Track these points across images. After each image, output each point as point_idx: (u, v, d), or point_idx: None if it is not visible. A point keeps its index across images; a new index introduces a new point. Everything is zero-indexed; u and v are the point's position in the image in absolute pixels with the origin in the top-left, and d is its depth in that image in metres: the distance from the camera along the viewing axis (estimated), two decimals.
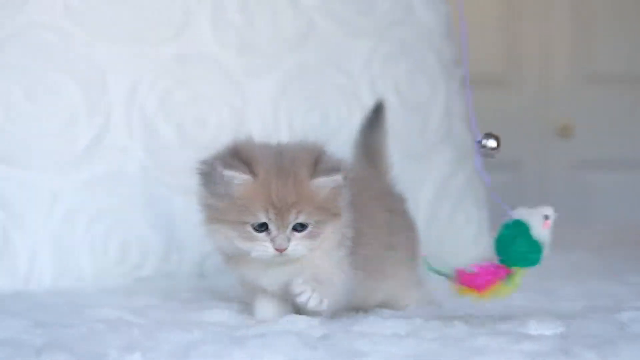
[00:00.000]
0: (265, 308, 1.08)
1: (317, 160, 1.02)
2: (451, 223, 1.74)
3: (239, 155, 1.02)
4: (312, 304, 1.00)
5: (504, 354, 0.82)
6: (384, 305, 1.16)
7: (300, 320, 1.00)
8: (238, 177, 1.00)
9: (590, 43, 3.42)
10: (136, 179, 1.48)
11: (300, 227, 1.01)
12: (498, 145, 0.99)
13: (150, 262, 1.47)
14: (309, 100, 1.64)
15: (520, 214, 0.96)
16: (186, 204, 1.50)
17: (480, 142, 0.99)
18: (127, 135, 1.49)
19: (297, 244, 1.01)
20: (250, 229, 1.01)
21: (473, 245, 1.76)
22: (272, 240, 1.00)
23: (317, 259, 1.03)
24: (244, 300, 1.13)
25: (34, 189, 1.41)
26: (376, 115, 1.36)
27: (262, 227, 1.01)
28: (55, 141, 1.44)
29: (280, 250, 1.00)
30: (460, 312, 1.08)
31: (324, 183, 1.02)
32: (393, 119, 1.71)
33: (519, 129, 3.45)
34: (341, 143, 1.64)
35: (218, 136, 1.55)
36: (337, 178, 1.02)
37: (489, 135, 1.00)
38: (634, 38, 3.42)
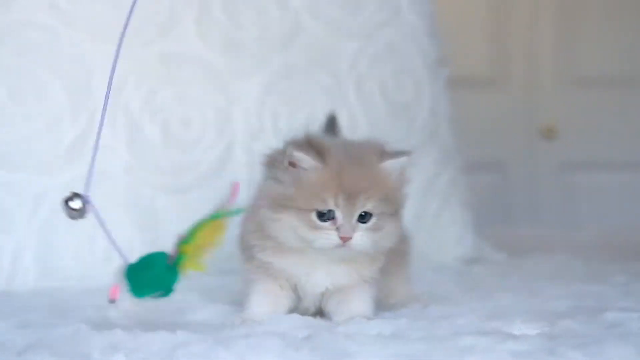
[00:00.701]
0: (260, 304, 1.06)
1: (383, 147, 1.02)
2: (436, 223, 1.74)
3: (310, 143, 1.00)
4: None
5: (490, 353, 0.82)
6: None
7: (285, 321, 1.00)
8: (309, 162, 0.99)
9: (575, 46, 3.44)
10: (121, 178, 1.47)
11: (365, 219, 0.99)
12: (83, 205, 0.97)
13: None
14: (295, 100, 1.64)
15: None
16: (171, 204, 1.50)
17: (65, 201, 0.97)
18: (112, 135, 1.48)
19: (362, 235, 0.99)
20: (315, 217, 0.98)
21: (457, 244, 1.76)
22: (338, 229, 0.98)
23: (348, 275, 1.04)
24: (241, 296, 1.11)
25: (18, 189, 1.40)
26: (330, 127, 1.36)
27: (327, 217, 0.98)
28: (39, 141, 1.43)
29: (345, 239, 0.98)
30: (446, 312, 1.07)
31: (392, 165, 1.01)
32: (379, 120, 1.72)
33: (505, 130, 3.46)
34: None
35: (203, 136, 1.55)
36: (405, 159, 1.01)
37: (75, 196, 0.97)
38: (618, 41, 3.43)
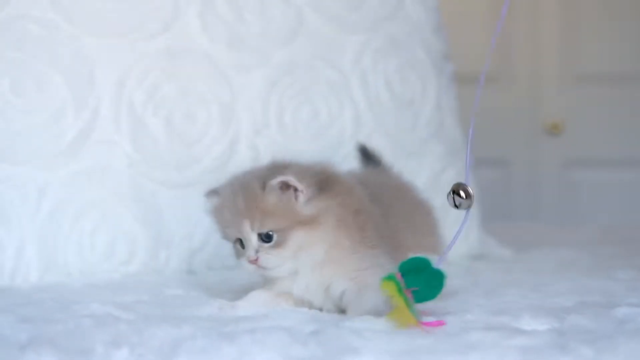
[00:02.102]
0: (255, 298, 1.09)
1: (269, 170, 1.07)
2: (442, 218, 1.73)
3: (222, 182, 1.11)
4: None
5: (498, 349, 0.81)
6: None
7: (291, 316, 0.99)
8: (210, 201, 1.11)
9: (579, 42, 3.43)
10: (124, 173, 1.46)
11: (267, 239, 1.05)
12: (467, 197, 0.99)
13: (138, 257, 1.46)
14: (299, 95, 1.63)
15: None
16: (174, 199, 1.49)
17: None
18: (115, 129, 1.47)
19: (267, 253, 1.05)
20: (239, 246, 1.08)
21: (462, 240, 1.75)
22: (244, 254, 1.06)
23: (336, 265, 1.06)
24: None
25: (20, 184, 1.39)
26: (366, 158, 1.40)
27: (242, 244, 1.07)
28: (41, 135, 1.41)
29: (253, 262, 1.05)
30: (453, 307, 1.06)
31: (269, 190, 1.05)
32: (384, 115, 1.71)
33: (509, 127, 3.46)
34: (331, 138, 1.64)
35: (206, 131, 1.54)
36: (275, 183, 1.04)
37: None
38: (623, 37, 3.42)
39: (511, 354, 0.80)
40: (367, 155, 1.41)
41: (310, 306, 1.09)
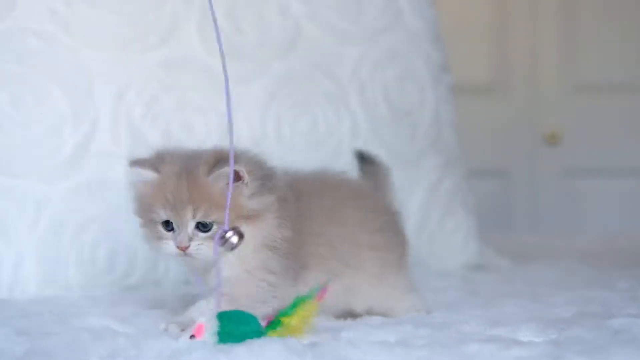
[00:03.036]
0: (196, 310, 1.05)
1: (217, 158, 1.01)
2: (440, 229, 1.74)
3: (152, 155, 1.04)
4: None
5: None
6: (374, 312, 1.14)
7: None
8: (142, 174, 1.04)
9: (577, 52, 3.43)
10: (123, 186, 1.46)
11: (203, 228, 1.01)
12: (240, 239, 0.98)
13: (137, 270, 1.46)
14: (297, 106, 1.63)
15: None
16: None
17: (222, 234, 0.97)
18: (114, 141, 1.47)
19: (201, 244, 1.00)
20: (160, 227, 1.02)
21: (461, 250, 1.75)
22: (174, 238, 1.01)
23: (230, 267, 1.02)
24: None
25: (19, 197, 1.40)
26: (363, 164, 1.35)
27: (169, 227, 1.02)
28: (40, 148, 1.42)
29: (182, 249, 1.01)
30: (451, 318, 1.06)
31: (216, 178, 1.00)
32: (382, 126, 1.71)
33: (508, 137, 3.46)
34: (330, 149, 1.64)
35: (205, 142, 1.53)
36: (226, 170, 0.99)
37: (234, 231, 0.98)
38: (622, 47, 3.43)
39: None
40: (364, 160, 1.39)
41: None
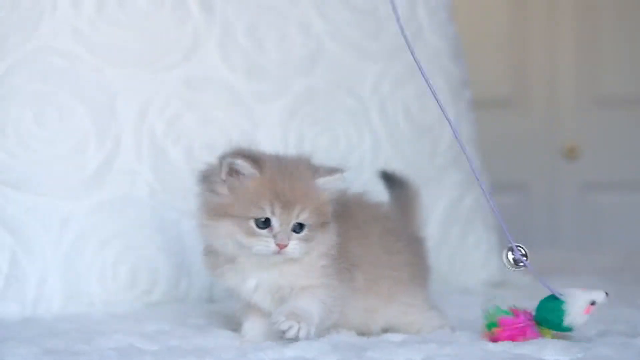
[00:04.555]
0: (253, 328, 1.09)
1: (314, 163, 1.07)
2: (461, 245, 1.73)
3: (244, 153, 1.04)
4: (302, 335, 1.00)
5: None
6: (394, 329, 1.14)
7: (313, 345, 0.99)
8: (248, 169, 1.03)
9: (596, 65, 3.42)
10: (145, 203, 1.47)
11: (298, 229, 1.04)
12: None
13: (159, 287, 1.46)
14: (319, 123, 1.64)
15: (570, 293, 1.02)
16: (196, 228, 1.49)
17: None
18: (137, 159, 1.48)
19: (296, 244, 1.03)
20: (253, 224, 1.03)
21: (482, 267, 1.75)
22: (275, 236, 1.02)
23: (297, 270, 1.05)
24: (238, 320, 1.13)
25: (44, 214, 1.41)
26: (389, 182, 1.38)
27: (265, 224, 1.03)
28: (64, 165, 1.43)
29: (281, 247, 1.02)
30: (475, 337, 1.06)
31: (326, 183, 1.06)
32: (403, 143, 1.71)
33: (526, 151, 3.45)
34: (351, 166, 1.64)
35: None
36: (339, 177, 1.06)
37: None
38: None
39: None
40: (390, 179, 1.40)
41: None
